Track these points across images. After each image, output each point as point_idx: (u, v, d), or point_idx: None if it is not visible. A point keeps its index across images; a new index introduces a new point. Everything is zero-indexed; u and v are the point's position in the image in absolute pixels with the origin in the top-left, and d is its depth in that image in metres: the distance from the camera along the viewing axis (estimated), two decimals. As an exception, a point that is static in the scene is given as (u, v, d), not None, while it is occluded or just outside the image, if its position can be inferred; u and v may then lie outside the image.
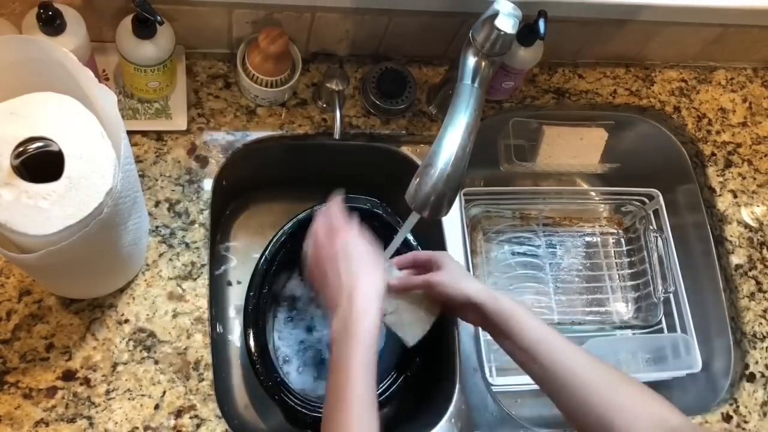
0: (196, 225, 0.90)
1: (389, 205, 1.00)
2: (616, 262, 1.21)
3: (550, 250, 1.20)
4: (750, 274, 1.06)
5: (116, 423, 0.79)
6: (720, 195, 1.10)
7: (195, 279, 0.88)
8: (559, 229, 1.22)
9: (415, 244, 1.00)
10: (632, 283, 1.18)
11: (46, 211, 0.60)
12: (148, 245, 0.88)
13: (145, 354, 0.83)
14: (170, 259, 0.88)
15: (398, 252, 0.98)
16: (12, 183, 0.59)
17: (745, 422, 0.98)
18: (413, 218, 0.80)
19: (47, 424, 0.78)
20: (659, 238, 1.12)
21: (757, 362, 1.01)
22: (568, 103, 1.10)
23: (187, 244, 0.89)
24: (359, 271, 0.73)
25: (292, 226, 0.96)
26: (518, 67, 0.97)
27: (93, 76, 0.64)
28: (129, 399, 0.81)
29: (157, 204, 0.90)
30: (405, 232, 0.85)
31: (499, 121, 1.09)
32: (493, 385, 0.95)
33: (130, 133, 0.90)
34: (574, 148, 1.12)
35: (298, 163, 1.06)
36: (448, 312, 0.86)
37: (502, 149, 1.13)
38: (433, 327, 0.86)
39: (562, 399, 0.73)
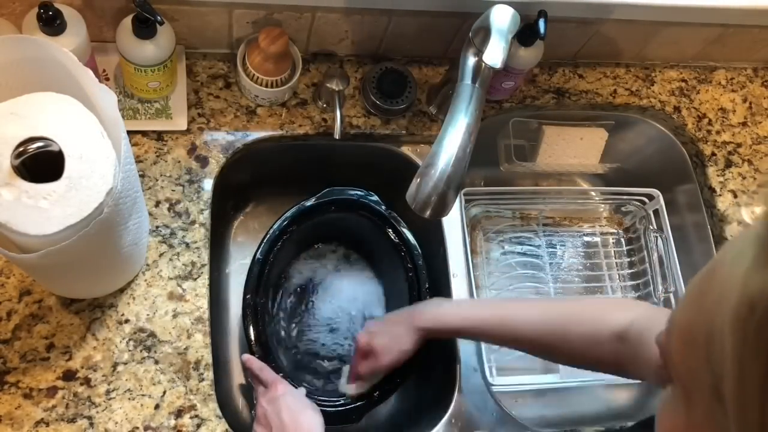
0: (197, 225, 0.90)
1: (383, 199, 1.00)
2: (616, 262, 1.22)
3: (550, 249, 1.20)
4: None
5: (116, 423, 0.79)
6: (720, 195, 1.10)
7: (195, 279, 0.88)
8: (559, 229, 1.22)
9: (414, 242, 1.00)
10: (632, 283, 1.18)
11: (46, 211, 0.60)
12: (149, 245, 0.88)
13: (146, 354, 0.83)
14: (170, 259, 0.88)
15: (399, 250, 0.99)
16: (12, 183, 0.59)
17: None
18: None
19: (47, 424, 0.78)
20: (659, 238, 1.12)
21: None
22: (568, 103, 1.10)
23: (187, 244, 0.89)
24: (299, 411, 0.79)
25: (280, 224, 0.96)
26: (518, 67, 0.97)
27: (93, 76, 0.64)
28: (129, 399, 0.81)
29: (157, 204, 0.90)
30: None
31: (499, 121, 1.09)
32: (493, 385, 0.95)
33: (130, 133, 0.90)
34: (574, 148, 1.12)
35: (298, 163, 1.06)
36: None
37: (503, 149, 1.13)
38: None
39: (554, 351, 0.80)
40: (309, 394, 0.87)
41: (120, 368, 0.82)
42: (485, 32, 0.79)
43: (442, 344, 1.00)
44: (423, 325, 0.85)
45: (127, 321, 0.84)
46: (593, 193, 1.24)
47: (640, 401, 1.12)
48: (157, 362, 0.83)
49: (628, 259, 1.21)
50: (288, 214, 0.96)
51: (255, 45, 0.91)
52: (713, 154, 1.12)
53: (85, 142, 0.63)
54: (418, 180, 0.76)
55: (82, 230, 0.61)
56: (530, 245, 1.19)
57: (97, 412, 0.80)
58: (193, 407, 0.82)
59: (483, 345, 0.96)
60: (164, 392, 0.82)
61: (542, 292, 1.16)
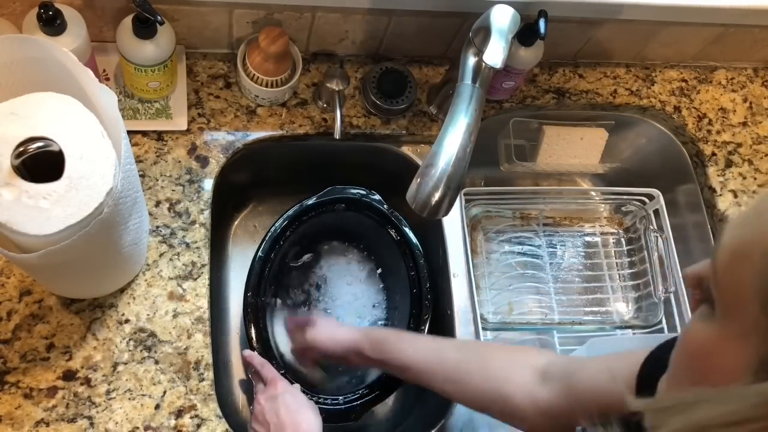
0: (197, 225, 0.90)
1: (384, 199, 1.01)
2: (616, 262, 1.21)
3: (551, 249, 1.20)
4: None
5: (117, 423, 0.79)
6: (720, 195, 1.10)
7: (195, 279, 0.88)
8: (560, 228, 1.22)
9: (416, 241, 1.00)
10: (632, 282, 1.18)
11: (46, 211, 0.60)
12: (149, 245, 0.88)
13: (146, 354, 0.83)
14: (171, 259, 0.88)
15: (401, 249, 0.99)
16: (12, 183, 0.59)
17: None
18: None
19: (48, 424, 0.78)
20: (659, 238, 1.12)
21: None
22: (569, 103, 1.10)
23: (187, 244, 0.89)
24: (298, 410, 0.79)
25: (282, 222, 0.96)
26: (519, 67, 0.97)
27: (93, 76, 0.64)
28: (129, 399, 0.81)
29: (157, 204, 0.90)
30: None
31: (499, 121, 1.09)
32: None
33: (130, 133, 0.90)
34: (575, 147, 1.12)
35: (298, 163, 1.06)
36: (335, 362, 0.94)
37: (503, 149, 1.13)
38: None
39: (457, 397, 0.78)
40: (308, 393, 0.87)
41: (120, 368, 0.82)
42: (485, 32, 0.79)
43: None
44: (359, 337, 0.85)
45: (127, 321, 0.84)
46: (593, 193, 1.24)
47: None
48: (157, 362, 0.83)
49: (629, 259, 1.21)
50: (289, 212, 0.97)
51: (255, 45, 0.91)
52: (713, 154, 1.12)
53: (85, 142, 0.63)
54: (419, 180, 0.76)
55: (82, 230, 0.61)
56: (530, 245, 1.19)
57: (98, 412, 0.80)
58: (193, 407, 0.82)
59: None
60: (164, 392, 0.82)
61: (542, 292, 1.16)
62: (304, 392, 0.85)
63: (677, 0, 0.96)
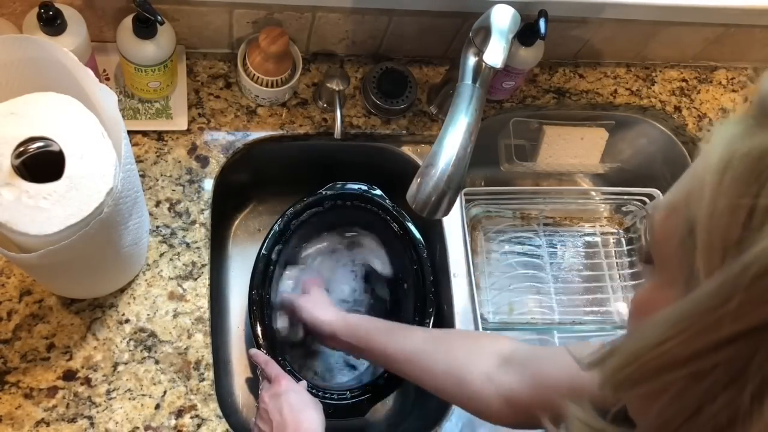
0: (197, 225, 0.90)
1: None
2: (616, 262, 1.21)
3: (551, 249, 1.20)
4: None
5: (117, 423, 0.79)
6: (721, 195, 1.10)
7: (196, 279, 0.88)
8: (560, 228, 1.22)
9: (418, 236, 1.00)
10: (633, 282, 1.18)
11: (46, 211, 0.60)
12: (149, 245, 0.88)
13: (146, 354, 0.83)
14: (171, 259, 0.88)
15: (403, 243, 0.99)
16: (13, 183, 0.59)
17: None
18: None
19: (48, 424, 0.78)
20: (660, 238, 1.12)
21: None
22: (569, 103, 1.10)
23: (187, 244, 0.89)
24: (300, 409, 0.79)
25: (284, 219, 0.96)
26: (519, 67, 0.97)
27: (93, 76, 0.64)
28: (130, 399, 0.81)
29: (157, 204, 0.90)
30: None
31: (499, 121, 1.09)
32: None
33: (130, 132, 0.90)
34: (575, 147, 1.12)
35: (298, 163, 1.06)
36: (321, 341, 0.94)
37: (503, 149, 1.12)
38: None
39: (423, 382, 0.78)
40: (315, 389, 0.87)
41: (120, 368, 0.82)
42: (486, 32, 0.79)
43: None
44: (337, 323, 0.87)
45: (127, 321, 0.84)
46: (594, 193, 1.24)
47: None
48: (157, 362, 0.83)
49: (629, 259, 1.21)
50: (291, 209, 0.97)
51: (255, 45, 0.91)
52: (714, 153, 1.12)
53: (85, 142, 0.63)
54: (419, 180, 0.76)
55: (82, 230, 0.61)
56: (531, 245, 1.19)
57: (98, 412, 0.80)
58: (193, 407, 0.82)
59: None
60: (165, 392, 0.82)
61: (542, 292, 1.16)
62: (311, 389, 0.85)
63: (677, 0, 0.96)
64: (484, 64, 0.78)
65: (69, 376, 0.80)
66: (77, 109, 0.64)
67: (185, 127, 0.94)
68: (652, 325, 0.34)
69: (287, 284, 1.02)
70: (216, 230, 0.94)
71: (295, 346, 1.04)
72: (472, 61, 0.80)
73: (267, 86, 0.94)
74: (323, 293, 0.97)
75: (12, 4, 0.82)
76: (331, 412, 0.83)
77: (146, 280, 0.86)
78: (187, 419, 0.81)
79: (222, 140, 0.95)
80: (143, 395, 0.81)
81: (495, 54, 0.78)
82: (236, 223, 1.13)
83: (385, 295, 1.10)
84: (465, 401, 0.73)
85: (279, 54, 0.90)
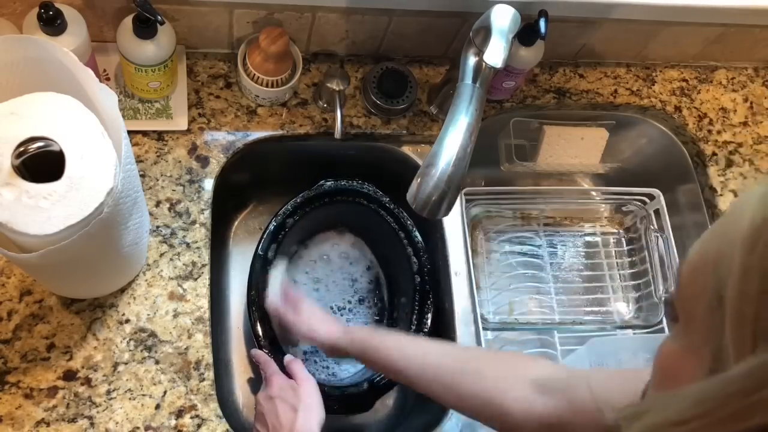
0: (197, 225, 0.90)
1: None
2: (617, 262, 1.21)
3: (551, 249, 1.20)
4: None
5: (117, 423, 0.79)
6: (721, 195, 1.10)
7: (196, 279, 0.88)
8: (560, 228, 1.22)
9: (416, 232, 1.00)
10: (633, 282, 1.18)
11: (47, 211, 0.60)
12: (149, 245, 0.88)
13: (146, 354, 0.83)
14: (171, 259, 0.88)
15: (399, 239, 0.99)
16: (13, 183, 0.59)
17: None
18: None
19: (48, 424, 0.78)
20: (660, 238, 1.12)
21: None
22: (569, 103, 1.10)
23: (188, 244, 0.89)
24: (296, 410, 0.78)
25: (278, 218, 0.97)
26: (519, 66, 0.97)
27: (94, 76, 0.64)
28: (130, 399, 0.81)
29: (157, 204, 0.90)
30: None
31: (499, 120, 1.09)
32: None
33: (130, 132, 0.90)
34: (575, 147, 1.12)
35: (299, 163, 1.06)
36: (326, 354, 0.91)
37: (503, 149, 1.12)
38: None
39: (446, 401, 0.76)
40: (319, 384, 0.87)
41: (120, 368, 0.82)
42: (486, 32, 0.79)
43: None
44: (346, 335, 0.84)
45: (127, 321, 0.84)
46: (594, 193, 1.24)
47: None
48: (157, 362, 0.83)
49: (629, 259, 1.21)
50: (284, 208, 0.97)
51: (255, 45, 0.91)
52: (714, 153, 1.12)
53: (85, 142, 0.63)
54: (419, 180, 0.76)
55: (82, 230, 0.61)
56: (531, 245, 1.19)
57: (98, 412, 0.80)
58: (193, 407, 0.82)
59: (484, 345, 0.96)
60: (165, 392, 0.82)
61: (543, 292, 1.15)
62: (321, 384, 0.85)
63: (677, 0, 0.96)
64: (484, 64, 0.78)
65: (69, 376, 0.80)
66: (77, 109, 0.64)
67: (185, 127, 0.94)
68: (676, 398, 0.32)
69: (275, 280, 0.99)
70: (216, 230, 0.94)
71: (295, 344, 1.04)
72: (472, 61, 0.80)
73: (267, 86, 0.94)
74: (313, 306, 0.92)
75: (12, 4, 0.82)
76: (335, 408, 0.82)
77: (146, 280, 0.86)
78: (187, 419, 0.81)
79: (222, 140, 0.95)
80: (143, 395, 0.81)
81: (495, 54, 0.78)
82: (236, 223, 1.13)
83: (383, 292, 1.10)
84: (497, 425, 0.71)
85: (279, 54, 0.90)
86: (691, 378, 0.34)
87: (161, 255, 0.88)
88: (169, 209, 0.90)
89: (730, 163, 1.12)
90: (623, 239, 1.23)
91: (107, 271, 0.79)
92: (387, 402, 1.06)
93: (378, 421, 1.05)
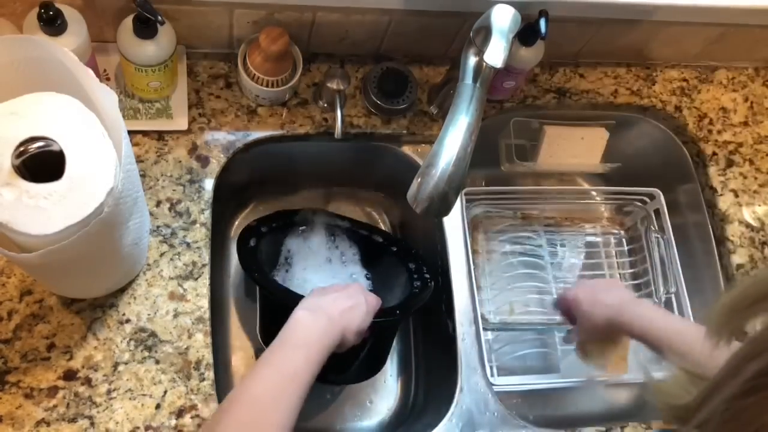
0: (197, 225, 0.90)
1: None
2: (617, 262, 1.21)
3: (551, 249, 1.20)
4: (752, 273, 1.06)
5: (117, 423, 0.79)
6: (721, 194, 1.10)
7: (196, 279, 0.88)
8: (561, 229, 1.22)
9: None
10: (633, 282, 1.18)
11: (47, 211, 0.60)
12: (149, 245, 0.88)
13: (146, 354, 0.83)
14: (171, 259, 0.88)
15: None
16: (13, 183, 0.59)
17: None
18: None
19: (48, 424, 0.78)
20: (660, 239, 1.12)
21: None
22: (569, 103, 1.10)
23: (188, 244, 0.89)
24: (353, 298, 0.81)
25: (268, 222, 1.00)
26: (519, 66, 0.97)
27: (94, 76, 0.65)
28: (130, 399, 0.81)
29: (158, 204, 0.90)
30: None
31: (500, 120, 1.09)
32: (494, 385, 0.94)
33: (131, 132, 0.90)
34: (575, 147, 1.12)
35: (299, 163, 1.06)
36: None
37: (503, 149, 1.12)
38: None
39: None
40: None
41: (121, 368, 0.82)
42: (486, 32, 0.79)
43: (443, 344, 1.00)
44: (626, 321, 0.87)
45: (127, 321, 0.84)
46: (594, 193, 1.24)
47: (640, 401, 1.12)
48: (157, 362, 0.83)
49: (629, 259, 1.21)
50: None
51: (256, 45, 0.91)
52: (714, 153, 1.12)
53: (85, 142, 0.63)
54: (419, 180, 0.76)
55: (82, 230, 0.61)
56: (531, 245, 1.19)
57: (98, 412, 0.80)
58: (194, 407, 0.82)
59: (484, 345, 0.96)
60: (165, 392, 0.82)
61: (543, 292, 1.15)
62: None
63: (677, 0, 0.96)
64: (484, 63, 0.78)
65: (69, 375, 0.80)
66: (78, 109, 0.64)
67: (186, 127, 0.94)
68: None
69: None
70: (216, 230, 0.94)
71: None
72: (472, 60, 0.80)
73: (267, 86, 0.94)
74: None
75: (12, 4, 0.82)
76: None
77: (147, 280, 0.86)
78: (187, 419, 0.81)
79: (222, 140, 0.95)
80: (143, 395, 0.81)
81: (495, 54, 0.78)
82: (237, 222, 1.13)
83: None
84: None
85: (279, 54, 0.90)
86: None
87: (161, 255, 0.88)
88: (170, 209, 0.90)
89: (730, 163, 1.12)
90: (623, 239, 1.23)
91: (107, 270, 0.79)
92: (388, 402, 1.06)
93: (378, 422, 1.05)
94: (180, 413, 0.81)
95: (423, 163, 0.77)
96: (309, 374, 0.70)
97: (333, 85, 0.94)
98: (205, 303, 0.87)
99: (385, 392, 1.07)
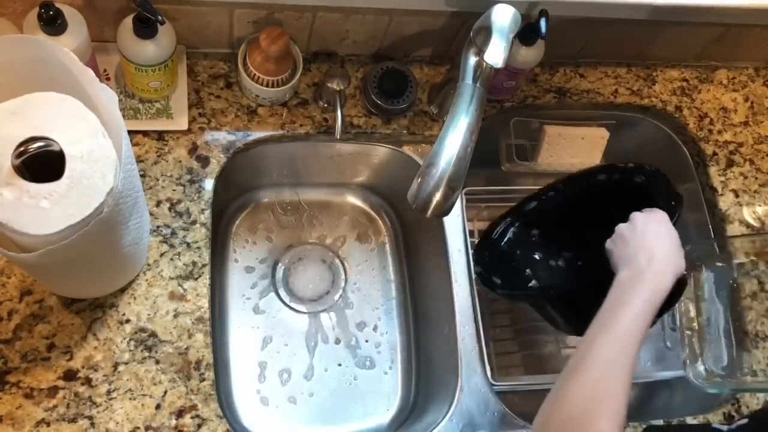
0: (198, 224, 0.90)
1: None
2: (617, 262, 1.21)
3: (552, 249, 1.20)
4: (752, 273, 1.06)
5: (117, 423, 0.79)
6: (722, 194, 1.10)
7: (196, 279, 0.88)
8: (561, 228, 1.22)
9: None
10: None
11: (47, 211, 0.60)
12: (149, 245, 0.88)
13: (147, 354, 0.83)
14: (171, 259, 0.88)
15: None
16: (13, 183, 0.59)
17: (747, 422, 0.98)
18: None
19: (48, 424, 0.78)
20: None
21: (759, 362, 1.01)
22: (570, 103, 1.10)
23: (188, 244, 0.89)
24: (665, 245, 0.75)
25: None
26: (519, 66, 0.97)
27: (94, 76, 0.64)
28: (130, 399, 0.81)
29: (158, 204, 0.90)
30: None
31: (500, 120, 1.09)
32: (494, 385, 0.94)
33: (131, 132, 0.90)
34: (576, 147, 1.12)
35: (299, 163, 1.06)
36: None
37: (504, 149, 1.12)
38: None
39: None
40: None
41: (121, 368, 0.82)
42: (486, 32, 0.79)
43: (443, 343, 1.00)
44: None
45: (128, 321, 0.84)
46: (594, 193, 1.23)
47: (641, 401, 1.12)
48: (158, 362, 0.83)
49: (630, 259, 1.20)
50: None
51: (256, 45, 0.91)
52: (715, 153, 1.12)
53: (85, 141, 0.63)
54: (419, 180, 0.76)
55: (82, 230, 0.61)
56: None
57: (98, 412, 0.80)
58: (194, 407, 0.82)
59: (484, 344, 0.96)
60: (165, 392, 0.82)
61: (543, 292, 1.15)
62: None
63: (677, 0, 0.96)
64: (484, 63, 0.78)
65: (69, 376, 0.80)
66: (78, 109, 0.64)
67: (186, 127, 0.94)
68: None
69: None
70: (216, 230, 0.94)
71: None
72: (472, 60, 0.80)
73: (267, 86, 0.94)
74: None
75: (12, 4, 0.82)
76: None
77: (147, 280, 0.86)
78: (187, 419, 0.81)
79: (222, 140, 0.95)
80: (144, 395, 0.81)
81: (496, 54, 0.78)
82: (237, 222, 1.13)
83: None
84: None
85: (279, 54, 0.90)
86: None
87: (162, 255, 0.88)
88: (170, 209, 0.90)
89: (730, 163, 1.12)
90: (624, 239, 1.23)
91: (107, 270, 0.79)
92: (388, 402, 1.06)
93: (378, 422, 1.05)
94: (180, 413, 0.81)
95: (423, 163, 0.77)
96: (638, 331, 0.69)
97: (333, 85, 0.94)
98: (205, 303, 0.87)
99: (385, 392, 1.07)
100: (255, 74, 0.93)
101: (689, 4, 0.97)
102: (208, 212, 0.91)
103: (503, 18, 0.79)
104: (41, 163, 0.61)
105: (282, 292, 1.08)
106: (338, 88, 0.94)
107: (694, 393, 1.05)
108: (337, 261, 1.13)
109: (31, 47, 0.64)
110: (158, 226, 0.89)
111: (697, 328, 0.99)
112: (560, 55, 1.09)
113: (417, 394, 1.06)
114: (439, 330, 1.01)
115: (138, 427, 0.80)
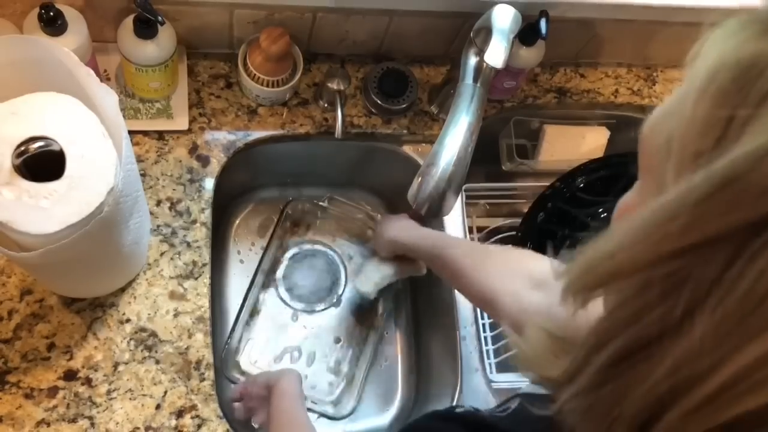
0: (198, 224, 0.90)
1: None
2: (617, 262, 1.21)
3: (552, 249, 1.20)
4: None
5: (117, 423, 0.79)
6: (722, 194, 1.10)
7: (196, 278, 0.88)
8: (561, 228, 1.22)
9: None
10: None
11: (47, 211, 0.60)
12: (150, 244, 0.88)
13: (147, 354, 0.83)
14: (171, 259, 0.88)
15: None
16: (13, 182, 0.59)
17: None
18: None
19: (48, 424, 0.78)
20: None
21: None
22: (570, 103, 1.10)
23: (188, 244, 0.89)
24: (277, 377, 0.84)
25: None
26: (520, 66, 0.97)
27: (94, 76, 0.65)
28: (130, 399, 0.81)
29: (158, 203, 0.90)
30: None
31: (500, 120, 1.09)
32: (494, 383, 0.94)
33: (131, 132, 0.90)
34: (576, 147, 1.12)
35: (299, 163, 1.06)
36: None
37: (504, 148, 1.12)
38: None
39: (461, 292, 0.82)
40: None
41: (121, 368, 0.82)
42: (487, 32, 0.79)
43: (443, 343, 1.00)
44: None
45: (128, 320, 0.84)
46: (595, 193, 1.23)
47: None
48: (158, 362, 0.83)
49: (630, 259, 1.20)
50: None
51: (256, 45, 0.91)
52: (715, 153, 1.12)
53: (86, 141, 0.63)
54: (420, 179, 0.76)
55: (82, 229, 0.61)
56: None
57: (98, 412, 0.80)
58: (194, 407, 0.82)
59: (484, 343, 0.96)
60: (165, 392, 0.82)
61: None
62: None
63: (677, 0, 0.96)
64: (485, 63, 0.78)
65: (69, 376, 0.80)
66: (78, 109, 0.64)
67: (186, 127, 0.94)
68: (610, 233, 0.33)
69: None
70: (217, 230, 0.94)
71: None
72: (473, 60, 0.80)
73: (268, 86, 0.94)
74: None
75: (13, 4, 0.82)
76: None
77: (147, 280, 0.86)
78: (187, 419, 0.81)
79: (223, 140, 0.95)
80: (144, 395, 0.81)
81: (496, 54, 0.78)
82: (237, 222, 1.13)
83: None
84: (499, 320, 0.73)
85: (280, 54, 0.90)
86: None
87: (162, 254, 0.88)
88: (170, 208, 0.90)
89: (730, 163, 1.12)
90: (624, 239, 1.23)
91: (108, 270, 0.79)
92: (389, 402, 1.06)
93: (378, 422, 1.05)
94: (180, 413, 0.81)
95: (423, 163, 0.77)
96: None
97: (333, 85, 0.94)
98: (205, 302, 0.87)
99: (385, 392, 1.07)
100: (255, 74, 0.93)
101: (689, 4, 0.97)
102: (208, 212, 0.91)
103: (504, 18, 0.79)
104: (41, 163, 0.61)
105: (282, 292, 1.08)
106: (338, 88, 0.94)
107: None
108: (337, 260, 1.13)
109: (31, 47, 0.64)
110: (158, 226, 0.89)
111: None
112: (560, 55, 1.09)
113: (417, 393, 1.06)
114: (440, 329, 1.01)
115: (138, 427, 0.80)
